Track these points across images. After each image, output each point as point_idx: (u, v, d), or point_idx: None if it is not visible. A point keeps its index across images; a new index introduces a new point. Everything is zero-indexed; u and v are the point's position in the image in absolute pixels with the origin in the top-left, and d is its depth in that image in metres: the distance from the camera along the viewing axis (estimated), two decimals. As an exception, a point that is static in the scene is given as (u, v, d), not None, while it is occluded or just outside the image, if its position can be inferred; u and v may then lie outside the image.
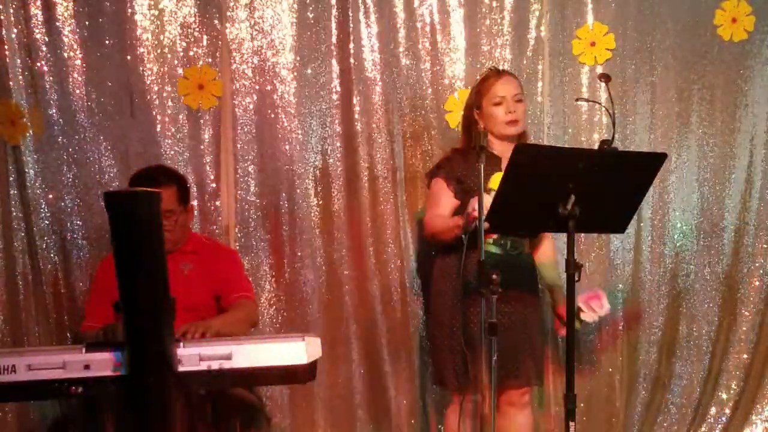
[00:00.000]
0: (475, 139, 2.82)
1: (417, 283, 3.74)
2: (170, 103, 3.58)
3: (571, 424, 2.66)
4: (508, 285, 2.78)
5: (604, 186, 2.67)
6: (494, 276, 2.65)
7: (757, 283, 3.93)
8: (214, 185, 3.63)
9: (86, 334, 3.07)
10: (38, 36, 3.47)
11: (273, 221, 3.68)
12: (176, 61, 3.58)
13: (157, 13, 3.55)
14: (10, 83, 3.44)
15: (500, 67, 3.37)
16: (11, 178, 3.51)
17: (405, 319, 3.74)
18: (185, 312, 2.92)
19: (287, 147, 3.67)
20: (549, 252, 3.34)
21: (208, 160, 3.63)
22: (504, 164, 3.09)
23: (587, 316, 3.05)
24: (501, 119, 3.16)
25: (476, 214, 2.73)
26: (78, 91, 3.51)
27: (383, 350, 3.73)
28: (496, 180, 2.95)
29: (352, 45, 3.67)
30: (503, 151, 3.13)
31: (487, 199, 2.80)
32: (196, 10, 3.58)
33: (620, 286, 3.86)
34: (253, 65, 3.64)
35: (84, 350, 2.31)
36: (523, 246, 3.21)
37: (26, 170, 3.49)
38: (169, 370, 2.21)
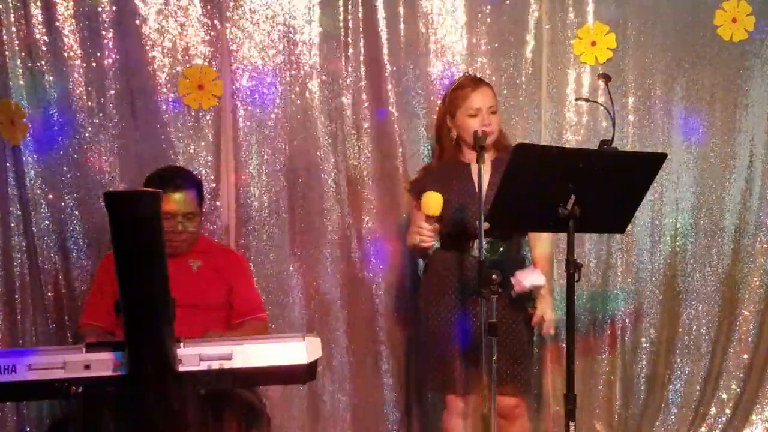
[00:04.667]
0: (476, 141, 2.84)
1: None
2: (170, 103, 3.58)
3: (571, 424, 2.66)
4: None
5: (604, 186, 2.67)
6: (494, 276, 2.65)
7: (757, 283, 3.93)
8: (214, 185, 3.63)
9: (84, 330, 3.08)
10: (38, 36, 3.47)
11: (273, 221, 3.68)
12: (176, 61, 3.58)
13: (157, 12, 3.55)
14: (10, 83, 3.44)
15: (477, 75, 3.35)
16: (11, 178, 3.51)
17: (399, 324, 3.75)
18: (195, 310, 2.91)
19: (288, 147, 3.67)
20: (542, 261, 3.25)
21: (208, 160, 3.63)
22: (473, 171, 3.12)
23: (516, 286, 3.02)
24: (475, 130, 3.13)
25: (422, 244, 2.92)
26: (78, 91, 3.51)
27: (378, 352, 3.75)
28: (429, 202, 2.90)
29: (352, 45, 3.66)
30: (473, 159, 3.13)
31: (427, 228, 2.88)
32: (196, 9, 3.58)
33: (620, 286, 3.86)
34: (253, 65, 3.64)
35: (84, 350, 2.31)
36: (507, 248, 3.16)
37: (26, 170, 3.49)
38: (169, 370, 2.21)
